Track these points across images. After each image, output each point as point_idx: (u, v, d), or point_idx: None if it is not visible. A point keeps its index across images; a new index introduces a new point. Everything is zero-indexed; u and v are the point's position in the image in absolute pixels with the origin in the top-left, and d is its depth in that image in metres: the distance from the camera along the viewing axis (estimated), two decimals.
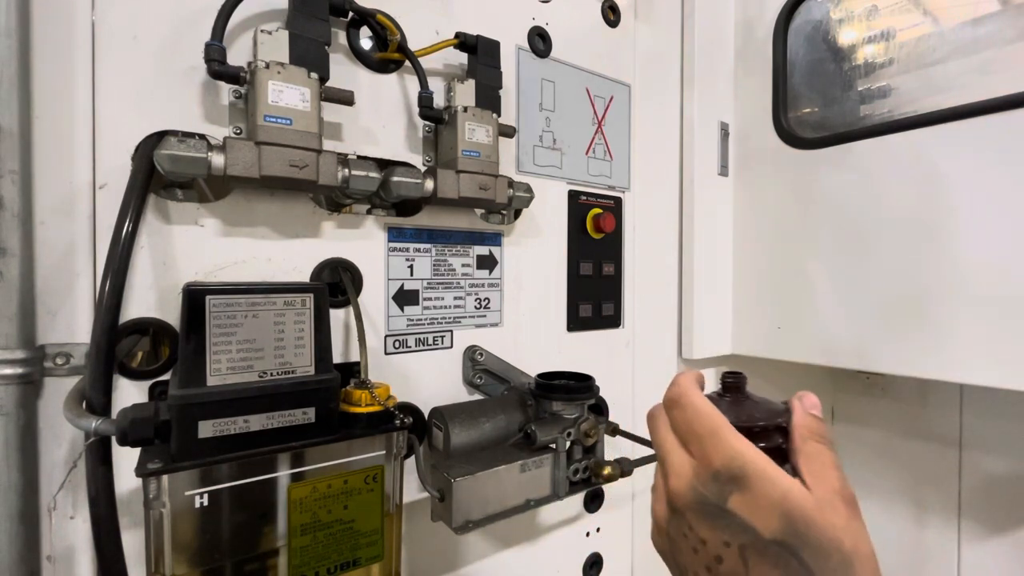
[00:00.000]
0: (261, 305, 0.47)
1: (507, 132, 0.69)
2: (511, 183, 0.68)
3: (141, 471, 0.42)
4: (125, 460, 0.47)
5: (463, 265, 0.70)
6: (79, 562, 0.48)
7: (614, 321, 0.87)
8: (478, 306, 0.72)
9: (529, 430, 0.63)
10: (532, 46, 0.76)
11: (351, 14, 0.59)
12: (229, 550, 0.46)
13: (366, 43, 0.62)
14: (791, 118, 0.92)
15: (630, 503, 0.92)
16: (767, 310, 0.94)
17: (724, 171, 0.99)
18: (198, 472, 0.44)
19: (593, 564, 0.87)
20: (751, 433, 0.32)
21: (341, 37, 0.60)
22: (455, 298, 0.70)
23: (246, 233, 0.55)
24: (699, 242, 0.95)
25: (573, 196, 0.82)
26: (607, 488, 0.87)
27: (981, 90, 0.70)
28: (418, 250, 0.66)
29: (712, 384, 0.48)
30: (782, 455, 0.32)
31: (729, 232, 1.00)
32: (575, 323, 0.82)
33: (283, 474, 0.48)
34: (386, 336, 0.64)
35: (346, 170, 0.55)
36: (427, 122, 0.66)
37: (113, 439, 0.43)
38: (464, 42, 0.65)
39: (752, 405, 0.35)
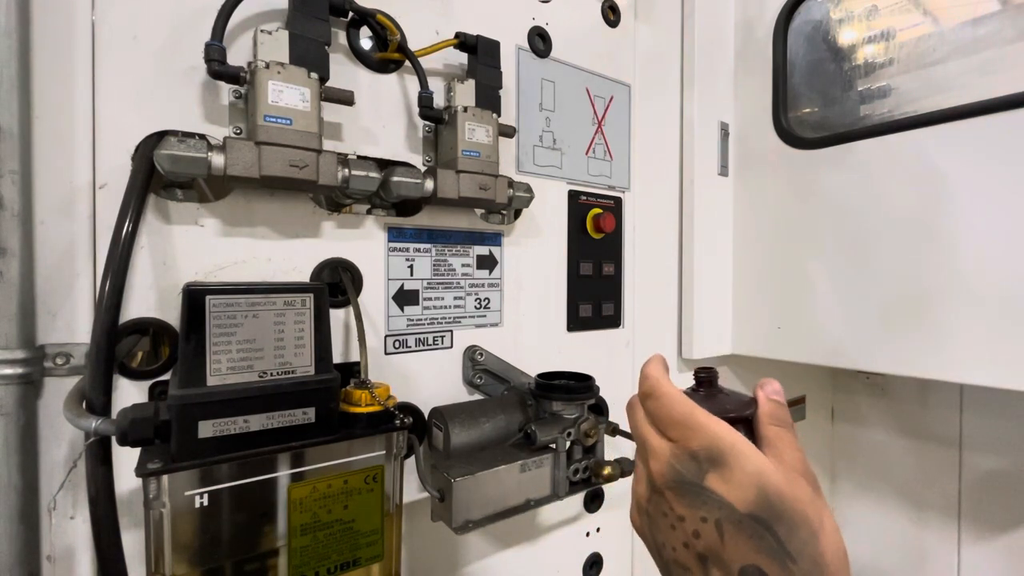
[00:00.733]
0: (261, 305, 0.47)
1: (507, 132, 0.69)
2: (511, 183, 0.68)
3: (141, 471, 0.42)
4: (125, 460, 0.47)
5: (463, 265, 0.70)
6: (79, 562, 0.48)
7: (614, 321, 0.87)
8: (478, 306, 0.72)
9: (529, 430, 0.63)
10: (532, 46, 0.76)
11: (351, 14, 0.59)
12: (229, 550, 0.46)
13: (366, 43, 0.62)
14: (791, 118, 0.92)
15: (630, 503, 0.92)
16: (767, 310, 0.94)
17: (724, 171, 0.99)
18: (198, 472, 0.44)
19: (593, 564, 0.87)
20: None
21: (341, 37, 0.60)
22: (455, 298, 0.70)
23: (246, 233, 0.55)
24: (699, 242, 0.95)
25: (573, 196, 0.82)
26: (607, 488, 0.87)
27: (981, 90, 0.70)
28: (418, 250, 0.67)
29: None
30: (752, 442, 0.35)
31: (729, 232, 1.00)
32: (575, 323, 0.82)
33: (283, 474, 0.48)
34: (386, 336, 0.64)
35: (346, 170, 0.55)
36: (427, 122, 0.66)
37: (113, 439, 0.43)
38: (464, 42, 0.65)
39: (724, 398, 0.37)
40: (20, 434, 0.45)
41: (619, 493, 0.89)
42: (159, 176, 0.48)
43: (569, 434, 0.64)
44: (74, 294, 0.48)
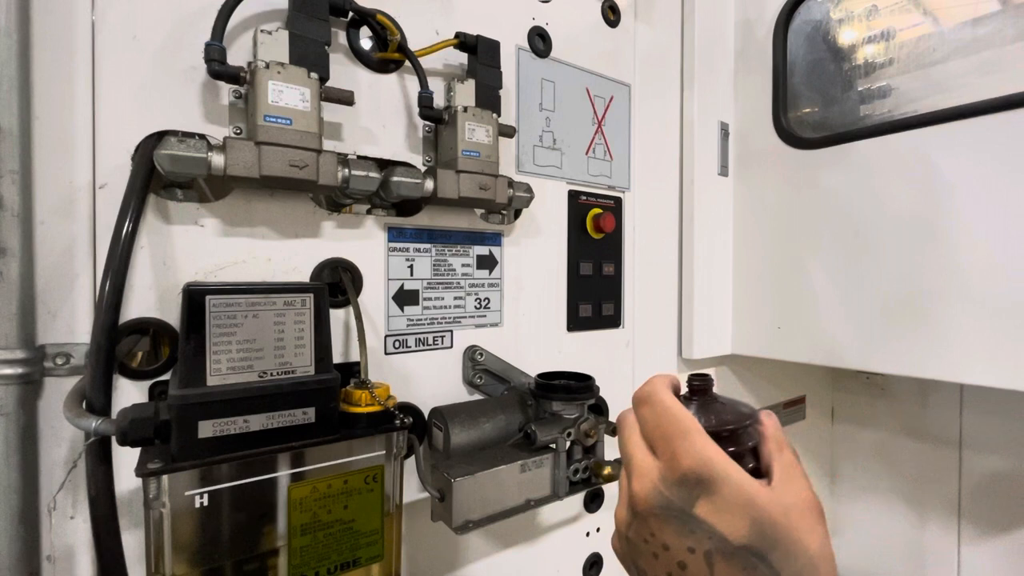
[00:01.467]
0: (261, 305, 0.47)
1: (507, 132, 0.69)
2: (511, 183, 0.68)
3: (141, 471, 0.42)
4: (125, 460, 0.47)
5: (463, 265, 0.70)
6: (79, 562, 0.48)
7: (614, 321, 0.87)
8: (478, 306, 0.72)
9: (529, 430, 0.63)
10: (532, 46, 0.76)
11: (351, 14, 0.59)
12: (229, 550, 0.46)
13: (366, 43, 0.62)
14: (791, 118, 0.92)
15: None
16: (767, 310, 0.94)
17: (724, 171, 0.99)
18: (198, 472, 0.44)
19: (593, 564, 0.87)
20: (720, 437, 0.32)
21: (341, 37, 0.60)
22: (455, 298, 0.70)
23: (246, 233, 0.55)
24: (699, 242, 0.95)
25: (573, 196, 0.82)
26: (607, 488, 0.87)
27: (981, 90, 0.70)
28: (418, 250, 0.66)
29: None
30: (749, 456, 0.33)
31: (729, 232, 1.00)
32: (575, 323, 0.82)
33: (283, 474, 0.48)
34: (386, 336, 0.64)
35: (346, 170, 0.55)
36: (427, 122, 0.66)
37: (113, 439, 0.43)
38: (464, 42, 0.65)
39: (720, 407, 0.35)
40: (20, 434, 0.45)
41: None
42: (159, 176, 0.48)
43: (569, 434, 0.64)
44: (74, 294, 0.48)
